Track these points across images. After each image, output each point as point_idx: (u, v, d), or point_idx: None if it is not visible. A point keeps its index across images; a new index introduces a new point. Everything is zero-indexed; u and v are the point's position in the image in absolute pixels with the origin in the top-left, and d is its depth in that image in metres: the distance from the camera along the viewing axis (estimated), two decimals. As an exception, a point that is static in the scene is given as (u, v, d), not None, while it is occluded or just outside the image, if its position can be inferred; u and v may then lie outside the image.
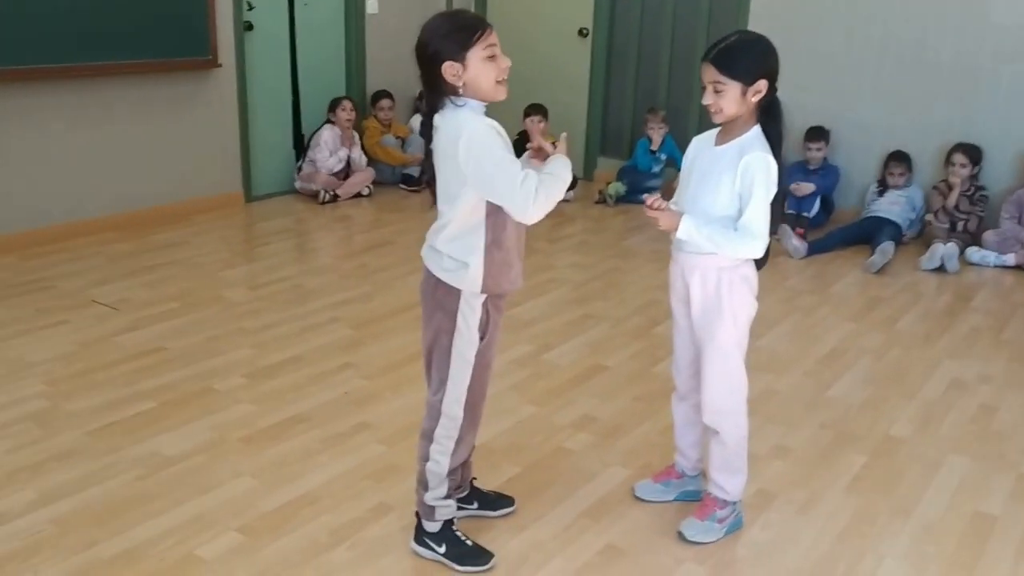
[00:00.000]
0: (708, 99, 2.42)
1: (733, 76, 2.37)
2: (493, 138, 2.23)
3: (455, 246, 2.31)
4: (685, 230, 2.41)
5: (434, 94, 2.27)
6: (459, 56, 2.20)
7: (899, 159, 5.94)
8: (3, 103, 4.96)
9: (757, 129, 2.45)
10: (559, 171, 2.31)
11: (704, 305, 2.54)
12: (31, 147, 5.13)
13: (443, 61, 2.21)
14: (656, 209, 2.42)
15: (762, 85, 2.39)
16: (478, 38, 2.21)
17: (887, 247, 5.32)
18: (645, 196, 2.51)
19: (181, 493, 2.84)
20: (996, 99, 5.79)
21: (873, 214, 5.82)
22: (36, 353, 3.81)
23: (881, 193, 5.96)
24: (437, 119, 2.29)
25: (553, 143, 2.43)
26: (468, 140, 2.20)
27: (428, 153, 2.35)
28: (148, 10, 5.38)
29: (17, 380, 3.56)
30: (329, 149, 6.40)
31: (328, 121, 6.49)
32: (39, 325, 4.11)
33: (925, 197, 5.93)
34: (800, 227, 5.82)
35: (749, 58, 2.39)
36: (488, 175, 2.22)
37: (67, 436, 3.15)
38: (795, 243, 5.45)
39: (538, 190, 2.20)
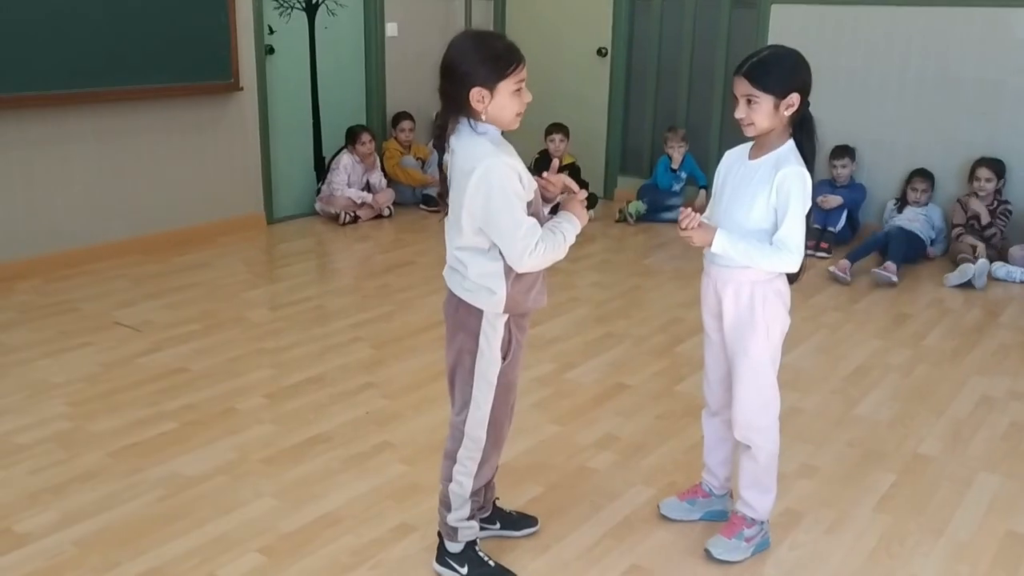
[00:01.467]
0: (741, 112, 2.41)
1: (766, 89, 2.36)
2: (509, 178, 2.18)
3: (475, 272, 2.28)
4: (720, 245, 2.39)
5: (452, 112, 2.24)
6: (490, 85, 2.17)
7: (922, 176, 5.89)
8: (28, 128, 5.02)
9: (791, 143, 2.44)
10: (567, 231, 2.29)
11: (737, 319, 2.51)
12: (55, 171, 5.18)
13: (473, 85, 2.17)
14: (689, 229, 2.39)
15: (794, 99, 2.38)
16: (512, 71, 2.18)
17: (889, 265, 5.26)
18: (680, 213, 2.42)
19: (203, 514, 2.83)
20: (1019, 115, 5.73)
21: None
22: (59, 375, 3.83)
23: (900, 209, 5.91)
24: (453, 141, 2.26)
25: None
26: (482, 174, 2.16)
27: (443, 167, 2.33)
28: (170, 35, 5.43)
29: (40, 401, 3.57)
30: (348, 173, 6.41)
31: (346, 147, 6.50)
32: (63, 347, 4.13)
33: (944, 214, 5.88)
34: (825, 242, 5.78)
35: (782, 71, 2.38)
36: (492, 215, 2.18)
37: (90, 457, 3.16)
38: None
39: (538, 244, 2.19)
